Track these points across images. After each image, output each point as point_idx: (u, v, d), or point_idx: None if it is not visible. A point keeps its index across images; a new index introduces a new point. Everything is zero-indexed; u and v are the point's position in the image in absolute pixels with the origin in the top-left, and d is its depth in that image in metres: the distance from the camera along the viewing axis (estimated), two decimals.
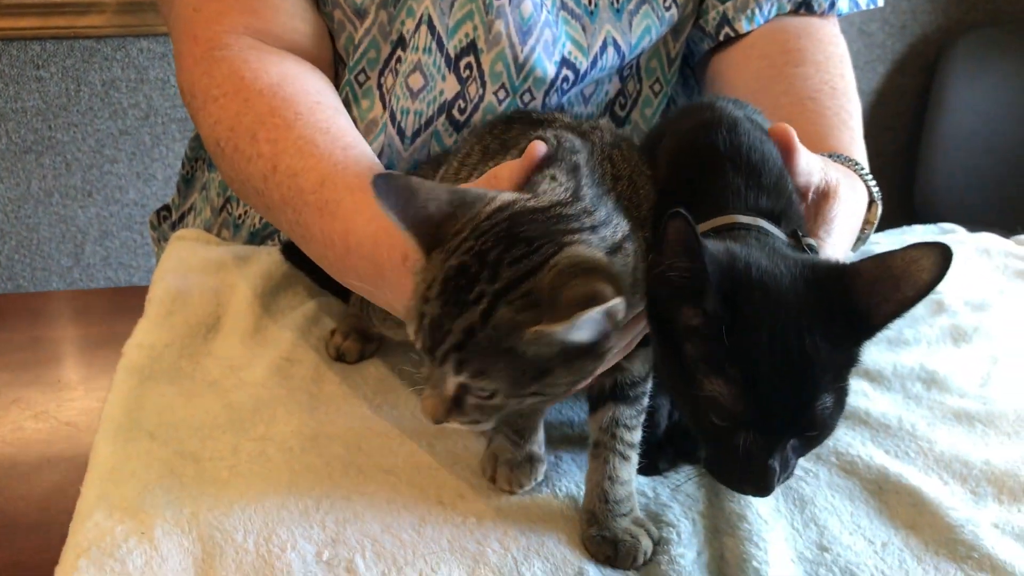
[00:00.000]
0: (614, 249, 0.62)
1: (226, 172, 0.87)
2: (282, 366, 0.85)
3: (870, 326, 0.61)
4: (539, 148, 0.65)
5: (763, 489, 0.61)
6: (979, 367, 0.91)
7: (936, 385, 0.88)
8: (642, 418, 0.72)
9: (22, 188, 2.13)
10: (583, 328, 0.57)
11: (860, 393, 0.86)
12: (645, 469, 0.76)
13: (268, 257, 0.98)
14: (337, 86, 0.95)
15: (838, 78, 0.99)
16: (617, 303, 0.56)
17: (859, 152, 0.90)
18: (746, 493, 0.64)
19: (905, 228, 1.22)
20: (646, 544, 0.69)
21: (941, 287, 1.03)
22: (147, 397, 0.79)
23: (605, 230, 0.62)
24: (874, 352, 0.92)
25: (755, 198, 0.66)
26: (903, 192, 2.79)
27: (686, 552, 0.68)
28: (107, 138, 2.12)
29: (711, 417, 0.60)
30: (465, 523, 0.69)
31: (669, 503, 0.73)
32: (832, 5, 1.05)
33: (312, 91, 0.86)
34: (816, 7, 1.04)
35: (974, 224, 2.67)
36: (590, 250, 0.60)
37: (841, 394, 0.61)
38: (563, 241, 0.60)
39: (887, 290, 0.60)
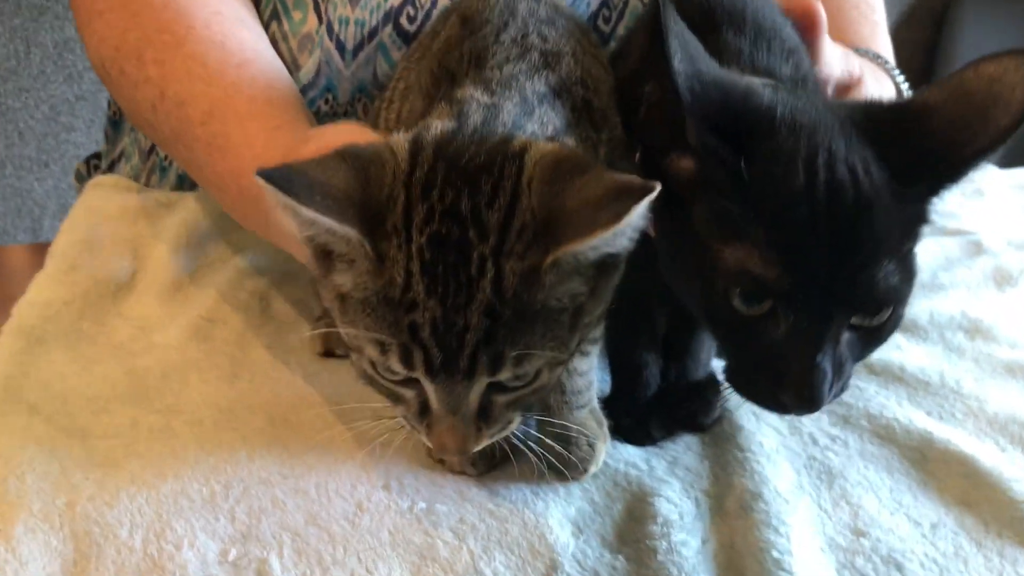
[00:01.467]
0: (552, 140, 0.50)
1: (116, 98, 0.75)
2: (201, 327, 0.71)
3: (955, 165, 0.47)
4: None
5: (810, 397, 0.47)
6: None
7: (981, 334, 0.74)
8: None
9: None
10: (626, 232, 0.45)
11: (892, 345, 0.72)
12: (635, 436, 0.63)
13: (195, 204, 0.84)
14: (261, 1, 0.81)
15: None
16: (657, 188, 0.43)
17: (884, 46, 0.76)
18: (787, 409, 0.50)
19: None
20: (599, 449, 0.59)
21: (977, 225, 0.91)
22: (34, 364, 0.66)
23: (529, 122, 0.50)
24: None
25: (765, 61, 0.52)
26: None
27: (689, 539, 0.55)
28: (62, 104, 1.97)
29: (735, 304, 0.47)
30: (412, 511, 0.56)
31: (666, 478, 0.59)
32: None
33: (218, 4, 0.72)
34: None
35: None
36: (546, 145, 0.48)
37: (908, 266, 0.48)
38: (514, 149, 0.47)
39: (971, 119, 0.47)
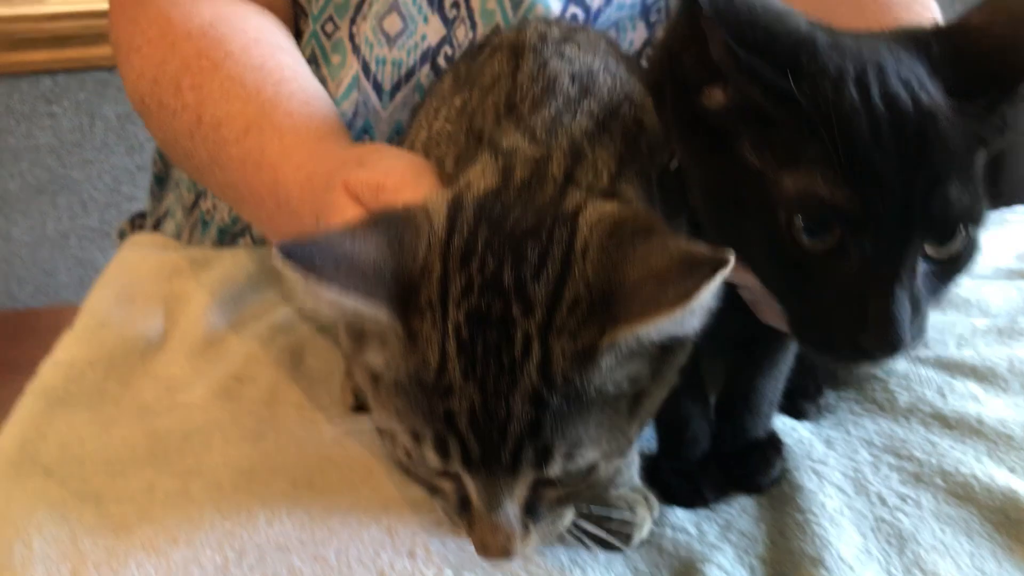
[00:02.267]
0: (612, 195, 0.45)
1: (156, 135, 0.73)
2: (229, 386, 0.68)
3: (1008, 80, 0.44)
4: None
5: (893, 336, 0.42)
6: None
7: None
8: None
9: (37, 231, 2.02)
10: (695, 311, 0.38)
11: (968, 396, 0.66)
12: (685, 498, 0.58)
13: (233, 259, 0.82)
14: (301, 42, 0.80)
15: None
16: (731, 262, 0.38)
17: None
18: (868, 355, 0.44)
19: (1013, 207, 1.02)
20: (642, 514, 0.53)
21: None
22: (52, 426, 0.63)
23: (583, 173, 0.45)
24: (981, 345, 0.72)
25: None
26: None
27: None
28: (124, 175, 2.01)
29: (801, 239, 0.42)
30: None
31: (719, 543, 0.54)
32: None
33: (251, 28, 0.71)
34: None
35: None
36: (605, 205, 0.43)
37: (976, 188, 0.44)
38: (565, 211, 0.42)
39: (1019, 37, 0.45)
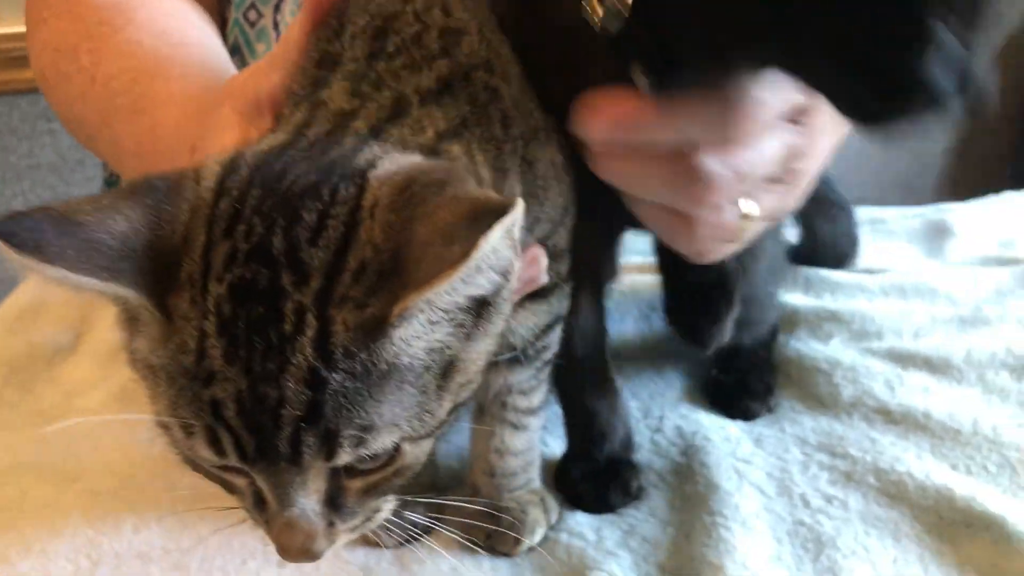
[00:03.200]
0: (430, 151, 0.40)
1: (55, 108, 0.69)
2: (128, 388, 0.64)
3: None
4: None
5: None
6: None
7: None
8: (545, 373, 0.50)
9: None
10: (483, 267, 0.34)
11: (917, 389, 0.60)
12: (592, 504, 0.53)
13: None
14: (225, 31, 0.77)
15: None
16: (518, 208, 0.33)
17: None
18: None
19: (994, 196, 0.96)
20: (535, 517, 0.49)
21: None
22: None
23: (397, 127, 0.40)
24: (940, 335, 0.67)
25: None
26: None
27: None
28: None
29: None
30: None
31: (616, 550, 0.49)
32: None
33: (165, 3, 0.68)
34: None
35: None
36: (404, 158, 0.38)
37: None
38: (356, 165, 0.37)
39: None
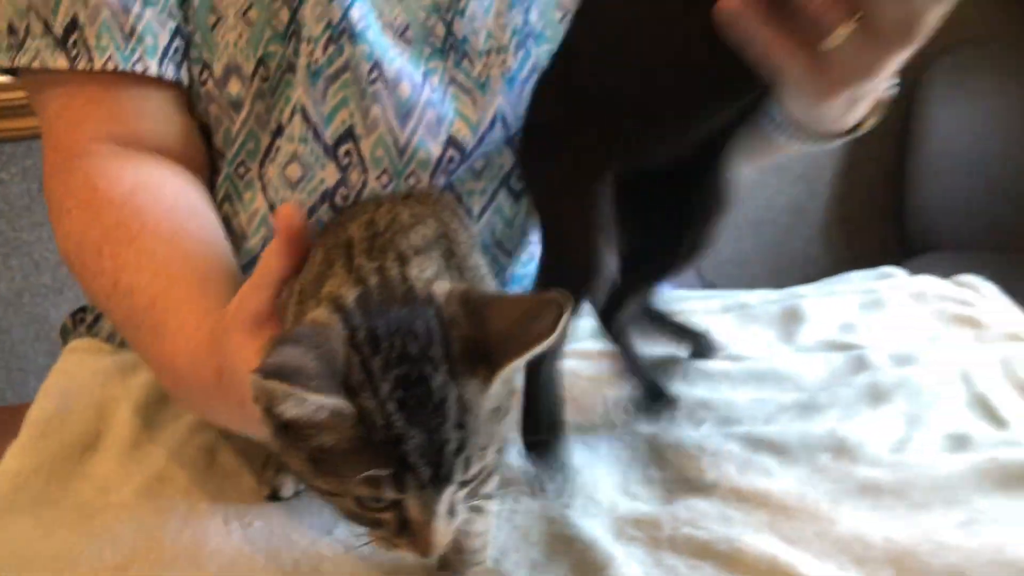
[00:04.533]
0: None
1: (80, 285, 0.85)
2: (152, 486, 0.81)
3: None
4: (288, 214, 0.67)
5: None
6: (896, 429, 0.85)
7: (846, 454, 0.82)
8: (499, 470, 0.68)
9: None
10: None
11: (762, 471, 0.81)
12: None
13: None
14: (217, 182, 0.93)
15: None
16: (570, 301, 0.56)
17: None
18: None
19: (844, 275, 1.17)
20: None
21: (868, 339, 0.99)
22: (4, 530, 0.76)
23: (411, 270, 0.62)
24: (784, 421, 0.87)
25: None
26: (893, 222, 2.74)
27: None
28: None
29: None
30: None
31: None
32: None
33: (168, 196, 0.84)
34: None
35: (966, 244, 2.60)
36: (441, 283, 0.61)
37: None
38: (423, 295, 0.59)
39: None
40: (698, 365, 0.96)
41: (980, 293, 1.09)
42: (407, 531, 0.57)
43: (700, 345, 0.98)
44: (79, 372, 0.95)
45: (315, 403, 0.53)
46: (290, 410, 0.53)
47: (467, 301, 0.58)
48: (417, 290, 0.59)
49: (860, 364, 0.95)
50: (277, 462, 0.81)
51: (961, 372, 0.92)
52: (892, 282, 1.12)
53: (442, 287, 0.59)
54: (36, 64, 0.85)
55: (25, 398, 2.17)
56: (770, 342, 1.03)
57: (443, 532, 0.57)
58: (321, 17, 0.86)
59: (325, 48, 0.87)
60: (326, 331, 0.56)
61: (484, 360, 0.55)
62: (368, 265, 0.62)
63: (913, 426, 0.86)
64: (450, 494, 0.56)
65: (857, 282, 1.14)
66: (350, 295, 0.59)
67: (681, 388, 0.92)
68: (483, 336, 0.56)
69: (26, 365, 2.19)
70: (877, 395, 0.90)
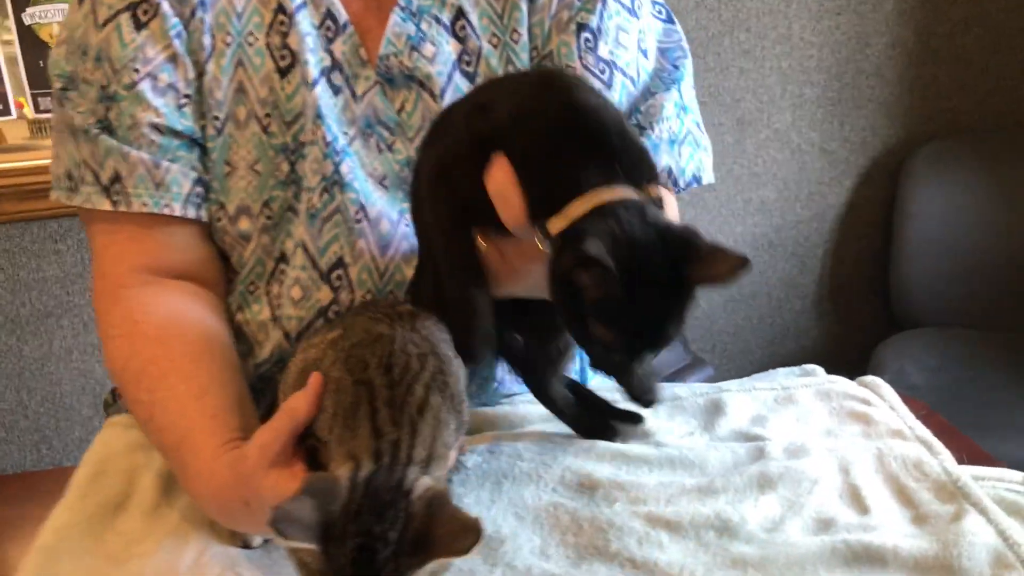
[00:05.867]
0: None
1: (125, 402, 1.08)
2: (169, 544, 1.02)
3: None
4: (319, 380, 0.86)
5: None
6: (774, 512, 1.03)
7: (727, 532, 1.00)
8: None
9: (45, 348, 2.38)
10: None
11: (656, 544, 0.99)
12: None
13: None
14: (233, 294, 1.15)
15: None
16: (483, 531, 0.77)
17: None
18: None
19: (771, 372, 1.35)
20: None
21: (772, 431, 1.17)
22: (51, 573, 0.97)
23: (414, 451, 0.83)
24: (684, 502, 1.05)
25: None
26: (881, 298, 2.89)
27: None
28: None
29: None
30: None
31: None
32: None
33: (191, 336, 1.06)
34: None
35: (946, 321, 2.77)
36: (423, 480, 0.81)
37: None
38: (405, 489, 0.79)
39: None
40: (625, 449, 1.14)
41: (878, 394, 1.26)
42: None
43: (620, 422, 1.17)
44: (115, 443, 1.17)
45: (297, 544, 0.76)
46: (283, 541, 0.77)
47: (430, 504, 0.78)
48: (406, 483, 0.80)
49: (759, 454, 1.13)
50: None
51: (841, 463, 1.10)
52: (807, 380, 1.30)
53: (422, 486, 0.79)
54: (87, 205, 1.09)
55: (69, 447, 2.41)
56: (692, 431, 1.21)
57: None
58: (317, 171, 1.08)
59: (320, 195, 1.09)
60: (335, 491, 0.79)
61: (422, 551, 0.76)
62: (390, 435, 0.83)
63: (790, 510, 1.03)
64: None
65: (779, 379, 1.32)
66: (364, 469, 0.80)
67: (608, 470, 1.11)
68: (428, 534, 0.76)
69: (72, 416, 2.42)
70: (765, 482, 1.07)
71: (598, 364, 0.88)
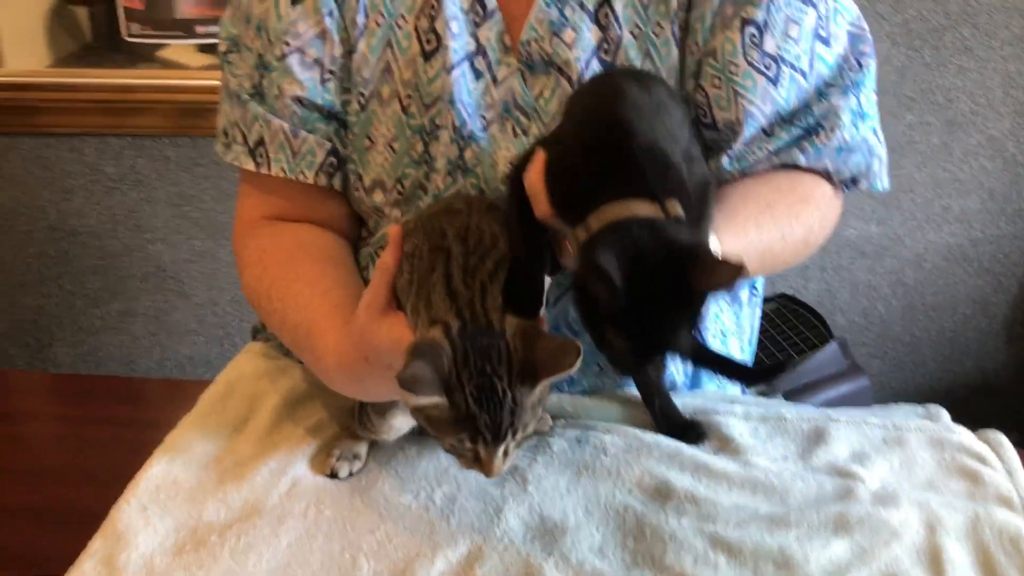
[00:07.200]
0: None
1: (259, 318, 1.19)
2: (275, 469, 1.12)
3: None
4: (397, 230, 0.98)
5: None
6: (841, 558, 1.01)
7: (787, 568, 0.99)
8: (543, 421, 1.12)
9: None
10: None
11: (712, 565, 1.00)
12: None
13: (302, 373, 1.27)
14: (363, 252, 1.25)
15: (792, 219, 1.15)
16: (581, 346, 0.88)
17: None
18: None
19: (891, 406, 1.31)
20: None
21: (865, 472, 1.15)
22: (170, 474, 1.11)
23: (488, 303, 0.93)
24: (752, 528, 1.05)
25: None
26: None
27: None
28: None
29: None
30: None
31: None
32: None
33: (315, 252, 1.18)
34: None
35: None
36: (511, 320, 0.91)
37: None
38: (499, 330, 0.91)
39: None
40: (710, 461, 1.15)
41: (998, 452, 1.19)
42: (478, 463, 0.91)
43: (691, 432, 1.19)
44: (246, 369, 1.29)
45: (427, 400, 0.87)
46: (415, 400, 0.87)
47: (524, 336, 0.89)
48: (494, 323, 0.91)
49: (846, 493, 1.10)
50: (339, 453, 1.12)
51: (929, 520, 1.07)
52: (922, 424, 1.24)
53: (510, 323, 0.90)
54: (236, 163, 1.22)
55: (226, 358, 2.66)
56: (788, 456, 1.19)
57: (499, 467, 0.91)
58: (445, 154, 1.15)
59: (445, 178, 1.17)
60: (439, 349, 0.89)
61: (531, 375, 0.87)
62: (464, 295, 0.92)
63: (859, 559, 1.02)
64: (503, 447, 0.89)
65: (894, 416, 1.27)
66: (454, 325, 0.90)
67: (687, 480, 1.12)
68: (531, 360, 0.87)
69: (253, 317, 2.64)
70: (842, 524, 1.05)
71: (616, 367, 0.97)
